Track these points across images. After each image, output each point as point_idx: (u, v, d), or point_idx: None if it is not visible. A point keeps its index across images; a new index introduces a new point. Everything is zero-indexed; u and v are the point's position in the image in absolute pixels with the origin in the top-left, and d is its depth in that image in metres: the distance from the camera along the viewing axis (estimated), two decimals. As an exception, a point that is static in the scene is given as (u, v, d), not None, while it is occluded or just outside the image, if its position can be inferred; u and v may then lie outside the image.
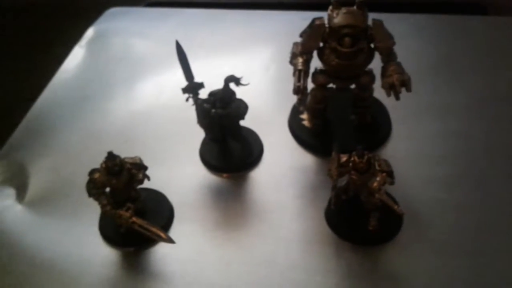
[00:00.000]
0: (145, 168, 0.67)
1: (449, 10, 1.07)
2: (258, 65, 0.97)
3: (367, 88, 0.74)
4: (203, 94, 0.73)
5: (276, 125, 0.83)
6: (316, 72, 0.74)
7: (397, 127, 0.81)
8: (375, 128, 0.80)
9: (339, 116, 0.81)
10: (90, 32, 1.11)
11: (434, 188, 0.72)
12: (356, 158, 0.61)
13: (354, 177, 0.62)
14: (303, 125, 0.81)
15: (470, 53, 0.95)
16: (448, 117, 0.82)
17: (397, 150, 0.78)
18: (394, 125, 0.81)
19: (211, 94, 0.72)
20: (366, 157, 0.60)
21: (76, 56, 1.05)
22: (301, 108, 0.82)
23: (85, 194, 0.64)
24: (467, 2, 1.14)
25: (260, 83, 0.92)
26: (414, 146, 0.78)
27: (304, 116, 0.82)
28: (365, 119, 0.79)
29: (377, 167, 0.61)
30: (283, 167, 0.77)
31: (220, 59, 1.00)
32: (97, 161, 0.64)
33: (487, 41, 0.97)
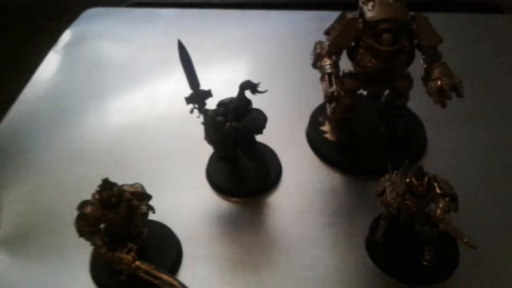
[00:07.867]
0: (149, 197, 0.55)
1: (462, 9, 1.01)
2: (263, 70, 0.87)
3: (403, 94, 0.65)
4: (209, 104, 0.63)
5: (293, 139, 0.73)
6: (344, 75, 0.64)
7: (432, 139, 0.72)
8: (408, 140, 0.70)
9: (366, 127, 0.71)
10: (66, 35, 1.00)
11: (485, 208, 0.63)
12: (414, 180, 0.50)
13: (409, 202, 0.51)
14: (326, 139, 0.71)
15: (496, 54, 0.88)
16: (488, 124, 0.74)
17: (436, 165, 0.67)
18: (429, 136, 0.72)
19: (221, 104, 0.62)
20: (426, 178, 0.50)
21: (51, 63, 0.94)
22: (320, 119, 0.72)
23: (70, 229, 0.53)
24: (481, 1, 1.07)
25: (268, 90, 0.81)
26: (454, 160, 0.69)
27: (326, 127, 0.71)
28: (397, 130, 0.69)
29: (437, 190, 0.51)
30: (307, 190, 0.67)
31: (219, 64, 0.90)
32: (82, 187, 0.54)
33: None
